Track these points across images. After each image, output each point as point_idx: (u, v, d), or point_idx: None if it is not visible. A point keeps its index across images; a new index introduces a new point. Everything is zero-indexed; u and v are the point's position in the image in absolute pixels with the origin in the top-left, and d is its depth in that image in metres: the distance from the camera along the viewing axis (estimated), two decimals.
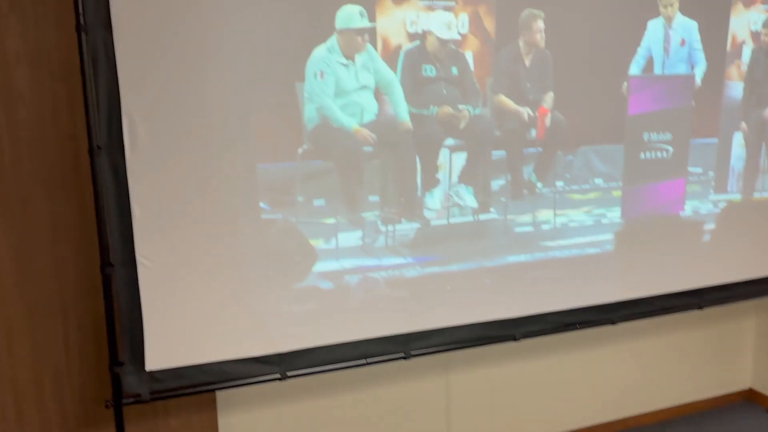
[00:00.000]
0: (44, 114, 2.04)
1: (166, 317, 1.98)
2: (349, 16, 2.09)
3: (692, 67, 2.62)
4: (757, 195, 2.87)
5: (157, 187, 1.91)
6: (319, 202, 2.19)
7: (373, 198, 2.26)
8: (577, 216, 2.55)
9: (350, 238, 2.24)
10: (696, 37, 2.59)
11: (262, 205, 2.10)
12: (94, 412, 2.25)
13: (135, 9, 1.81)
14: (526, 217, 2.47)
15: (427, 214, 2.33)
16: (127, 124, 1.84)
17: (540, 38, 2.32)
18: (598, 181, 2.57)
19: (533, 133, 2.43)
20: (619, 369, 3.15)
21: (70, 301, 2.17)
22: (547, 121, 2.41)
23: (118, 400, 2.03)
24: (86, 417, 2.25)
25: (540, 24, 2.31)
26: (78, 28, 1.80)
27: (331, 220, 2.21)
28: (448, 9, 2.22)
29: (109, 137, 1.85)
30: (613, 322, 2.70)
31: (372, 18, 2.12)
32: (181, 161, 1.93)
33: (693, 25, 2.58)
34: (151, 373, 2.00)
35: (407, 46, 2.20)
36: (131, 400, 2.04)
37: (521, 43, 2.32)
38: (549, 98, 2.42)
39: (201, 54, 1.91)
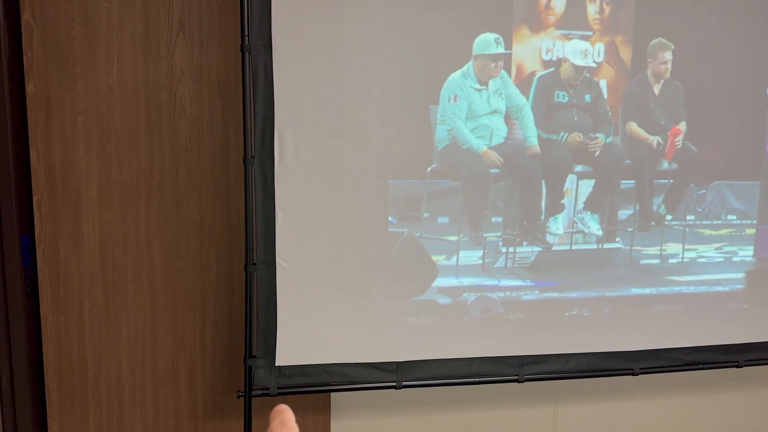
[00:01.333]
0: (202, 126, 2.26)
1: (298, 317, 2.11)
2: (486, 42, 2.17)
3: None
4: None
5: (299, 196, 2.05)
6: (443, 220, 2.26)
7: (496, 219, 2.30)
8: (707, 252, 2.47)
9: (471, 256, 2.29)
10: None
11: (390, 218, 2.20)
12: (221, 403, 2.41)
13: (292, 31, 1.98)
14: (653, 250, 2.42)
15: (549, 238, 2.34)
16: (277, 137, 2.00)
17: (665, 69, 2.29)
18: (731, 217, 2.47)
19: (665, 164, 2.39)
20: (744, 416, 2.98)
21: (209, 297, 2.35)
22: (678, 142, 2.37)
23: (248, 392, 2.17)
24: (214, 407, 2.42)
25: (667, 55, 2.28)
26: (242, 48, 1.99)
27: (453, 238, 2.28)
28: (584, 38, 2.24)
29: (262, 148, 2.02)
30: (738, 365, 2.57)
31: (508, 45, 2.18)
32: (320, 173, 2.07)
33: None
34: (280, 368, 2.14)
35: (541, 72, 2.24)
36: (260, 392, 2.18)
37: (649, 72, 2.31)
38: (681, 128, 2.37)
39: (345, 74, 2.05)
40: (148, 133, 2.23)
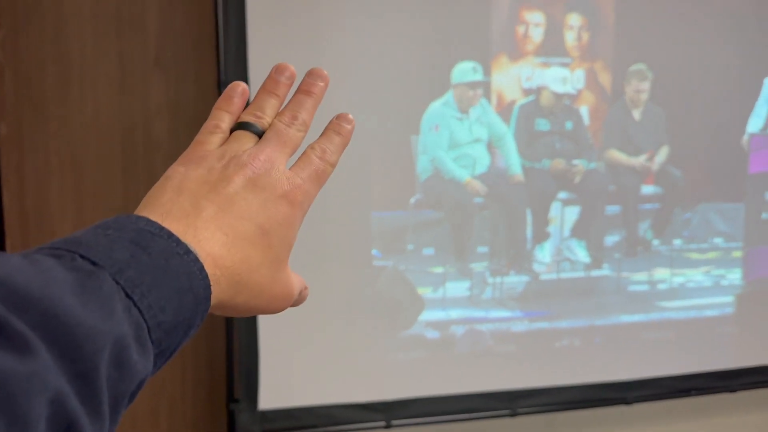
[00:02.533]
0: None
1: (281, 357, 2.05)
2: (463, 71, 2.16)
3: None
4: None
5: None
6: (428, 251, 2.22)
7: (482, 249, 2.26)
8: (696, 276, 2.45)
9: (458, 288, 2.24)
10: None
11: (374, 252, 2.15)
12: None
13: (269, 65, 1.95)
14: (641, 276, 2.39)
15: (536, 267, 2.31)
16: None
17: (640, 98, 2.30)
18: (718, 240, 2.46)
19: (649, 189, 2.38)
20: None
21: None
22: (655, 163, 2.36)
23: None
24: None
25: (643, 85, 2.29)
26: (219, 83, 1.96)
27: (439, 269, 2.23)
28: (564, 65, 2.24)
29: None
30: (732, 390, 2.53)
31: (488, 74, 2.18)
32: None
33: None
34: (264, 412, 2.06)
35: (521, 100, 2.23)
36: None
37: (627, 98, 2.31)
38: (663, 152, 2.37)
39: (326, 108, 2.02)
40: (124, 171, 2.18)
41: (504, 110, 2.23)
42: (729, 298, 2.48)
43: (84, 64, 2.12)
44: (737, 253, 2.49)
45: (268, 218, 0.48)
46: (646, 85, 2.29)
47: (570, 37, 2.23)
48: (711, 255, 2.46)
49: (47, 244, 0.38)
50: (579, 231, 2.34)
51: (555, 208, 2.31)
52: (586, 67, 2.26)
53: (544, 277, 2.32)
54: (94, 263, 0.36)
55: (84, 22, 2.14)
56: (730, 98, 2.40)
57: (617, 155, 2.34)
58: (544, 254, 2.32)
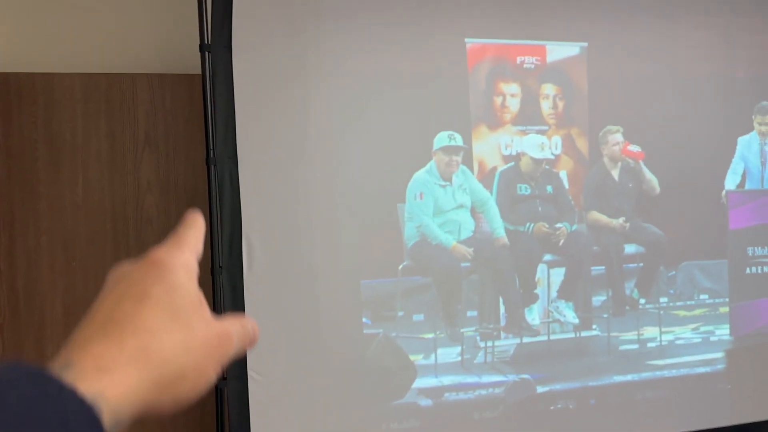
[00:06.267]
0: (168, 236, 2.24)
1: (273, 430, 2.02)
2: (441, 139, 2.23)
3: None
4: None
5: (269, 303, 2.01)
6: (418, 317, 2.23)
7: (471, 313, 2.28)
8: (685, 333, 2.46)
9: (449, 353, 2.24)
10: None
11: (364, 320, 2.16)
12: None
13: (257, 142, 2.01)
14: (631, 335, 2.40)
15: (526, 329, 2.32)
16: (246, 246, 1.99)
17: (618, 150, 2.37)
18: (704, 296, 2.49)
19: (632, 248, 2.42)
20: None
21: (179, 416, 2.24)
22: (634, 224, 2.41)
23: None
24: None
25: (617, 137, 2.37)
26: (207, 160, 2.01)
27: (430, 335, 2.24)
28: (541, 132, 2.32)
29: (230, 257, 2.00)
30: None
31: (468, 143, 2.25)
32: (291, 278, 2.04)
33: None
34: None
35: (502, 167, 2.30)
36: None
37: (605, 159, 2.38)
38: (643, 211, 2.42)
39: (310, 182, 2.07)
40: (115, 246, 2.20)
41: (486, 177, 2.29)
42: (719, 354, 2.49)
43: (75, 144, 2.18)
44: (724, 309, 2.51)
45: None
46: (619, 137, 2.37)
47: (546, 106, 2.32)
48: (698, 312, 2.48)
49: None
50: (566, 292, 2.36)
51: (541, 270, 2.34)
52: (563, 133, 2.34)
53: (535, 339, 2.32)
54: None
55: (75, 104, 2.21)
56: (706, 157, 2.47)
57: (598, 216, 2.40)
58: (534, 316, 2.33)
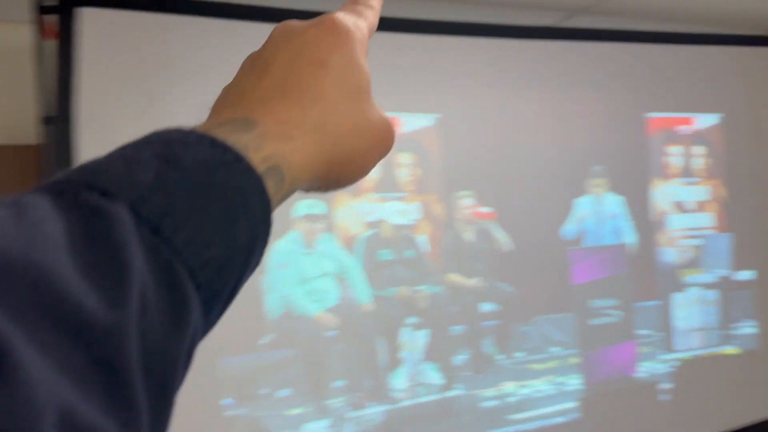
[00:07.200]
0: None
1: None
2: (302, 206, 2.23)
3: (624, 237, 2.83)
4: (704, 351, 2.99)
5: None
6: (284, 393, 2.16)
7: (339, 383, 2.24)
8: (540, 385, 2.58)
9: (317, 428, 2.18)
10: (624, 210, 2.84)
11: (225, 402, 2.05)
12: None
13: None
14: (491, 391, 2.48)
15: (394, 395, 2.32)
16: None
17: (468, 213, 2.50)
18: (555, 349, 2.64)
19: (489, 306, 2.52)
20: None
21: None
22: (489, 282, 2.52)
23: None
24: None
25: (465, 201, 2.50)
26: None
27: (297, 411, 2.17)
28: (400, 199, 2.39)
29: None
30: None
31: (331, 211, 2.26)
32: None
33: (620, 199, 2.84)
34: None
35: (365, 233, 2.33)
36: None
37: (460, 222, 2.50)
38: (496, 269, 2.54)
39: None
40: None
41: (349, 244, 2.30)
42: (573, 404, 2.63)
43: None
44: (574, 360, 2.67)
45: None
46: (467, 201, 2.50)
47: (403, 174, 2.40)
48: (551, 364, 2.62)
49: (51, 178, 0.29)
50: (430, 354, 2.40)
51: (405, 334, 2.37)
52: (421, 199, 2.43)
53: (402, 404, 2.33)
54: (104, 193, 0.27)
55: None
56: (550, 216, 2.65)
57: (455, 278, 2.49)
58: (400, 380, 2.34)
